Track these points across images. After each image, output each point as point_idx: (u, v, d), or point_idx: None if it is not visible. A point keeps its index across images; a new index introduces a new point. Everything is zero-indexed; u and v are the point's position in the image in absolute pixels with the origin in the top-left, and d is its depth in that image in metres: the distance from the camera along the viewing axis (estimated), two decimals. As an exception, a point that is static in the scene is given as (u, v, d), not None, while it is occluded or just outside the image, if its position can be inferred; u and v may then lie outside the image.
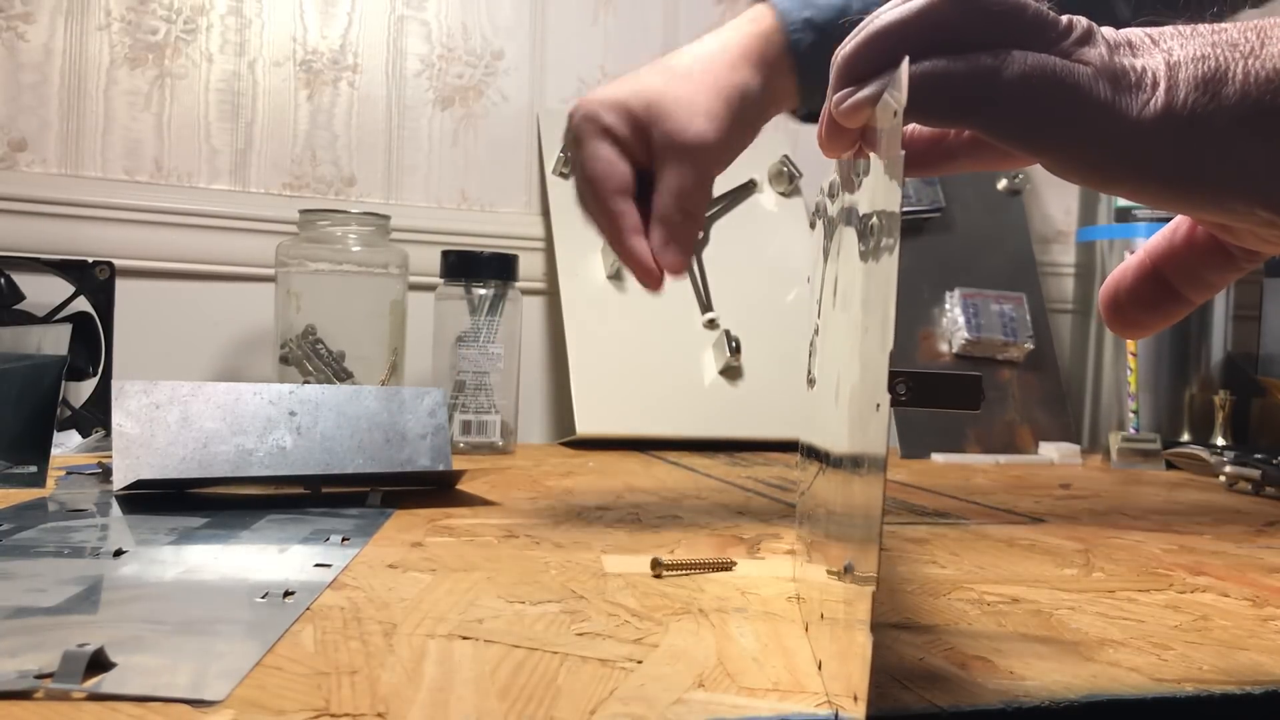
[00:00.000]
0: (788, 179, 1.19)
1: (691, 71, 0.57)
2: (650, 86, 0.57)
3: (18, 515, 0.54)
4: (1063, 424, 1.15)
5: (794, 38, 0.60)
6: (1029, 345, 1.15)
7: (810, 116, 0.67)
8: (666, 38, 1.23)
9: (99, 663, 0.29)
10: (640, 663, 0.32)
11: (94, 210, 1.03)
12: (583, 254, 1.11)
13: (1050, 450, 1.10)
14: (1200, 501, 0.81)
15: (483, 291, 0.97)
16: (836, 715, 0.28)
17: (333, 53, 1.13)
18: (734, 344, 1.05)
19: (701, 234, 1.15)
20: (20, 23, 1.02)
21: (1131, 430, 1.13)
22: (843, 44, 0.33)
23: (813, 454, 0.42)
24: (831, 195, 0.41)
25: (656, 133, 0.56)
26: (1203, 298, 0.37)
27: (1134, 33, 0.32)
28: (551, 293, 1.15)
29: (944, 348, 1.14)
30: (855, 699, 0.26)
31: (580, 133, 0.57)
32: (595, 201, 0.57)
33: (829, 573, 0.34)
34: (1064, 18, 0.31)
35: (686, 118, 0.56)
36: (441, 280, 0.99)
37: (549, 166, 1.15)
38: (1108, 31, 0.32)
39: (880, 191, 0.30)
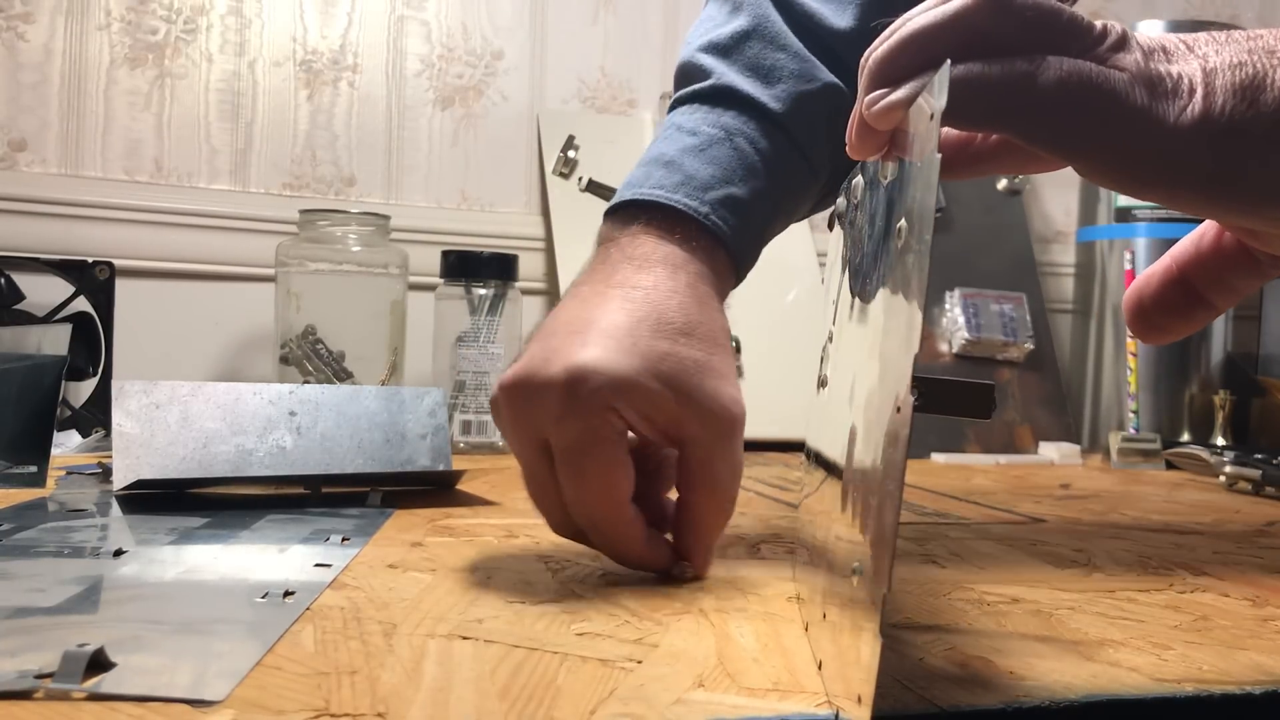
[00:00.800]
0: (788, 179, 1.19)
1: (695, 329, 0.45)
2: (663, 356, 0.43)
3: (18, 515, 0.54)
4: (1063, 424, 1.15)
5: (722, 233, 0.50)
6: (1029, 345, 1.15)
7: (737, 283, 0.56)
8: (666, 38, 1.23)
9: (99, 663, 0.29)
10: (640, 663, 0.32)
11: (94, 210, 1.03)
12: (583, 254, 1.10)
13: (1050, 450, 1.10)
14: (1200, 501, 0.81)
15: (483, 291, 0.97)
16: (837, 715, 0.28)
17: (333, 53, 1.13)
18: (734, 344, 1.05)
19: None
20: (20, 23, 1.02)
21: (1131, 430, 1.13)
22: (874, 46, 0.33)
23: (819, 460, 0.42)
24: (854, 197, 0.40)
25: (696, 417, 0.43)
26: (1228, 303, 0.38)
27: (1168, 39, 0.32)
28: (551, 293, 1.16)
29: (944, 348, 1.14)
30: (859, 700, 0.26)
31: (594, 429, 0.41)
32: (602, 514, 0.43)
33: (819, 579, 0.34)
34: (1099, 23, 0.31)
35: (720, 390, 0.44)
36: (441, 280, 0.99)
37: (549, 166, 1.15)
38: (1142, 37, 0.32)
39: (912, 194, 0.30)
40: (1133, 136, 0.30)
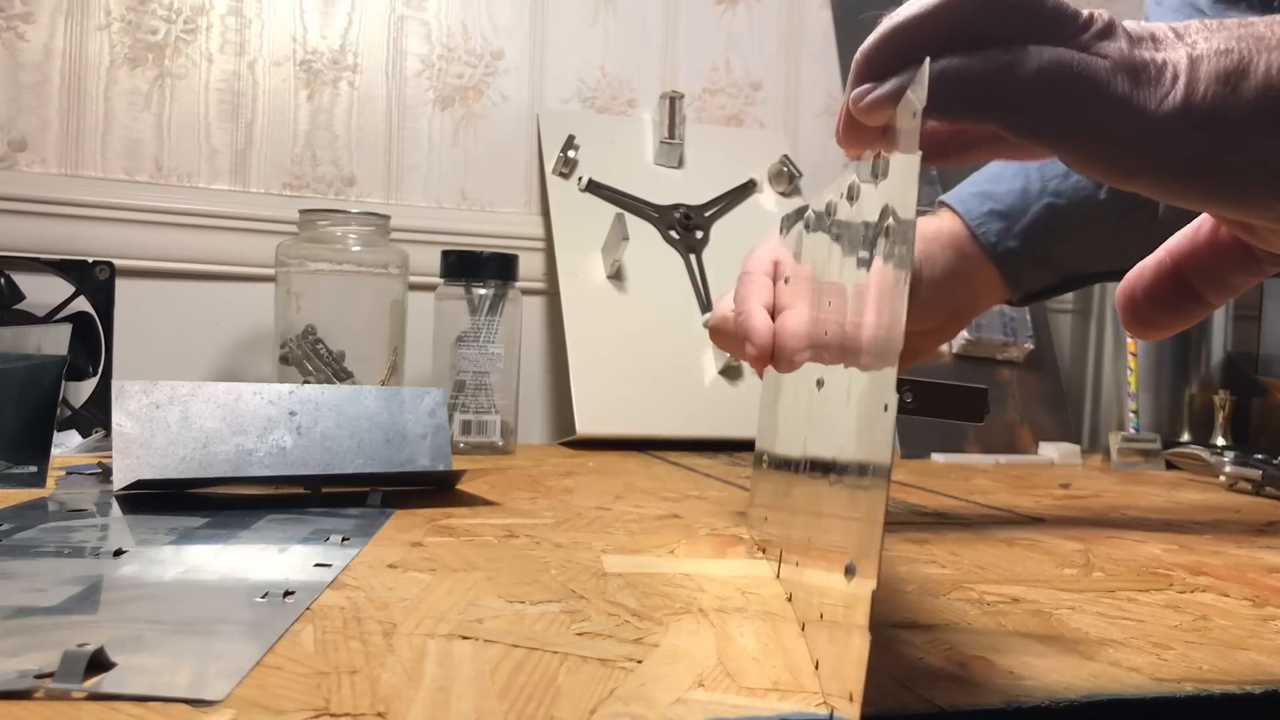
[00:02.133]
0: (788, 179, 1.19)
1: None
2: None
3: (18, 515, 0.54)
4: (1063, 424, 1.15)
5: (980, 231, 0.65)
6: (1029, 345, 1.15)
7: (1026, 299, 0.69)
8: (667, 38, 1.23)
9: (99, 663, 0.29)
10: (640, 662, 0.32)
11: (94, 210, 1.03)
12: (583, 254, 1.11)
13: (1050, 450, 1.10)
14: (1200, 501, 0.81)
15: (483, 291, 0.97)
16: (832, 715, 0.28)
17: (333, 53, 1.12)
18: (734, 344, 1.05)
19: (701, 233, 1.15)
20: (20, 23, 1.02)
21: (1131, 430, 1.13)
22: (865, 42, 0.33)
23: (816, 459, 0.42)
24: (851, 198, 0.40)
25: None
26: (1222, 300, 0.37)
27: (1158, 26, 0.32)
28: (551, 293, 1.15)
29: (944, 347, 1.14)
30: (850, 698, 0.26)
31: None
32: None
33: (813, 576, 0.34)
34: (1084, 11, 0.31)
35: None
36: (441, 280, 0.99)
37: (549, 166, 1.15)
38: (1130, 25, 0.31)
39: (896, 192, 0.30)
40: (1113, 125, 0.30)
